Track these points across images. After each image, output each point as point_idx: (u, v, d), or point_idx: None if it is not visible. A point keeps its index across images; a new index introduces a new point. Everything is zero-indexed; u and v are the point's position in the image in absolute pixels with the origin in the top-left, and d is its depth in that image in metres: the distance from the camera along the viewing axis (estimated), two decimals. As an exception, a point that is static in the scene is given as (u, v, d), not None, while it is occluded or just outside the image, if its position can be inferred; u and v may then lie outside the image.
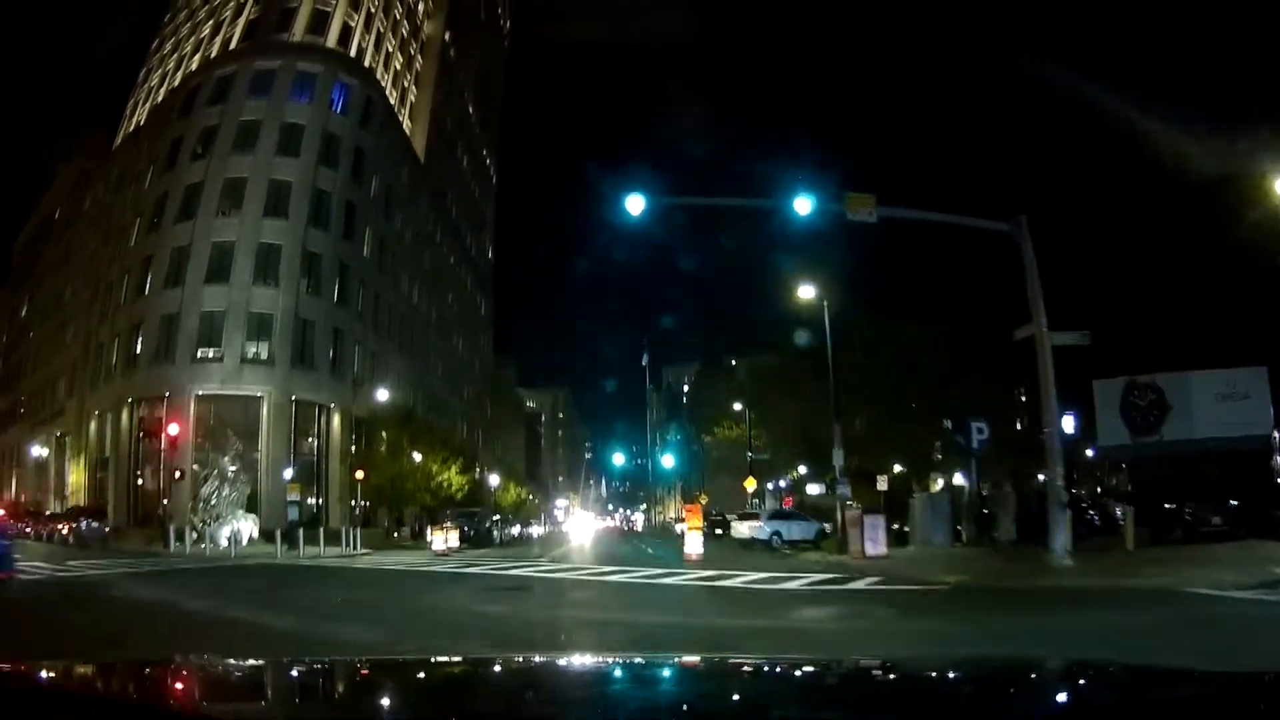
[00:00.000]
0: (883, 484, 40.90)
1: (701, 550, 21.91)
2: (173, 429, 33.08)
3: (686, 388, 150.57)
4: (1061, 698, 2.37)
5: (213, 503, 35.35)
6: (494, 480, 62.70)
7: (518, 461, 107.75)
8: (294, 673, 2.86)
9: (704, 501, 64.94)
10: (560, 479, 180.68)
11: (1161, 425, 26.23)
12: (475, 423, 75.75)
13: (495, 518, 43.17)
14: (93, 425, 48.97)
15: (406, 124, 63.51)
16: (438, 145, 68.24)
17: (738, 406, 47.49)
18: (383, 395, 40.47)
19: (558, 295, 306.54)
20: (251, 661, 3.31)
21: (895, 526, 32.39)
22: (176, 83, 54.02)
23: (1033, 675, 2.66)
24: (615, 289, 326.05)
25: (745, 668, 3.09)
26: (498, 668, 3.15)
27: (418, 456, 41.52)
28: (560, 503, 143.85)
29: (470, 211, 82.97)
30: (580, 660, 3.68)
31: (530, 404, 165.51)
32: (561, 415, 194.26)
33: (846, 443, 53.56)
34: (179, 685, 2.37)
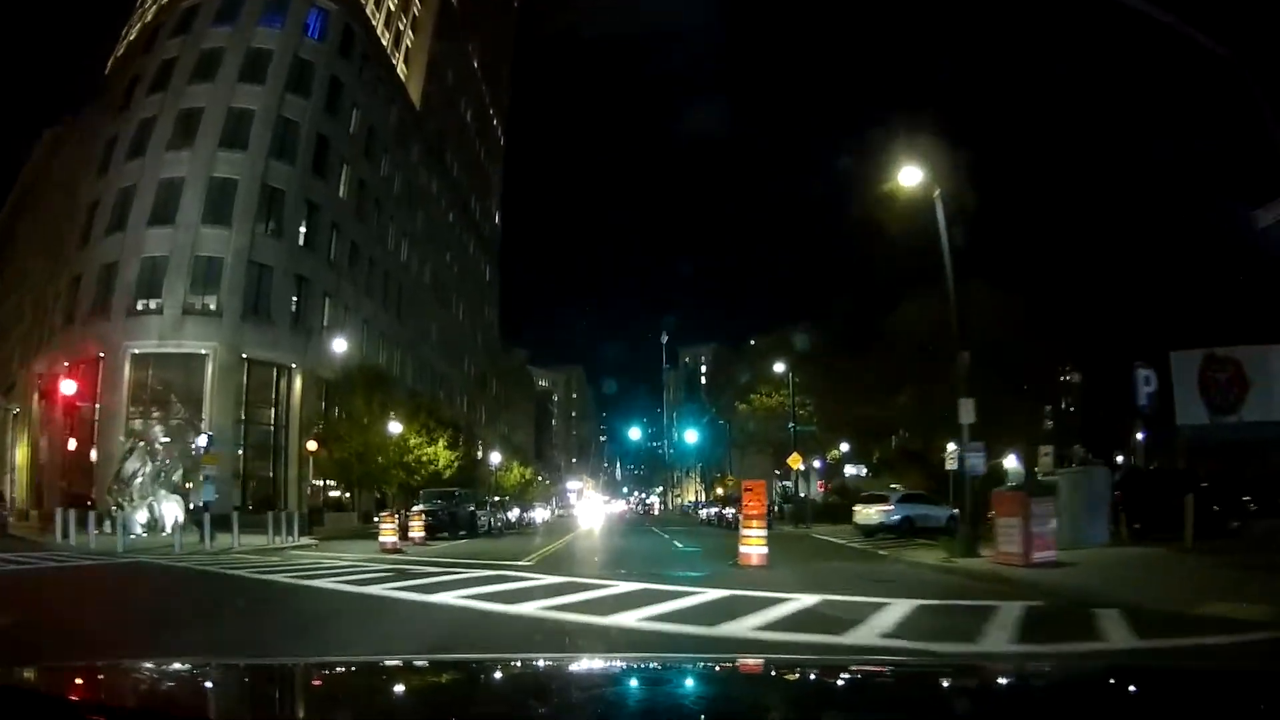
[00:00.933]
0: (951, 462, 34.09)
1: (766, 551, 14.51)
2: (67, 387, 26.10)
3: (704, 368, 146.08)
4: (1062, 700, 2.25)
5: (138, 480, 28.66)
6: (495, 459, 55.58)
7: (526, 442, 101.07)
8: (293, 674, 2.80)
9: (731, 483, 57.88)
10: (573, 461, 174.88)
11: (1241, 404, 23.06)
12: (477, 397, 68.86)
13: (491, 499, 36.13)
14: (35, 396, 42.46)
15: (401, 69, 56.90)
16: (437, 97, 61.86)
17: (779, 368, 39.90)
18: (340, 346, 33.21)
19: (572, 275, 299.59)
20: (249, 663, 3.26)
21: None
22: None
23: (1033, 677, 2.70)
24: (631, 268, 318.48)
25: (746, 669, 2.97)
26: (498, 670, 3.00)
27: (396, 427, 34.48)
28: (573, 485, 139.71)
29: (475, 175, 76.40)
30: (581, 662, 3.65)
31: (542, 383, 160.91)
32: (575, 396, 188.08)
33: (906, 421, 46.13)
34: (176, 689, 2.35)
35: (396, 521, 20.03)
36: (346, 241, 43.10)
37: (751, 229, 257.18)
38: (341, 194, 43.53)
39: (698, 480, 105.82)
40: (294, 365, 37.13)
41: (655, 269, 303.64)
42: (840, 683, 2.61)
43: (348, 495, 39.00)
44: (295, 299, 38.34)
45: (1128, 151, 37.92)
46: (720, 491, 57.86)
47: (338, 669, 3.03)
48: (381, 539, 20.64)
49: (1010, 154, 42.21)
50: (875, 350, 41.43)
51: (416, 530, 22.44)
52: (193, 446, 27.84)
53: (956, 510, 33.30)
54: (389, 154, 50.31)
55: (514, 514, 37.73)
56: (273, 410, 37.12)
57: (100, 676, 2.37)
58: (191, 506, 26.55)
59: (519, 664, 3.30)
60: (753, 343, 61.30)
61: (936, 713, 2.21)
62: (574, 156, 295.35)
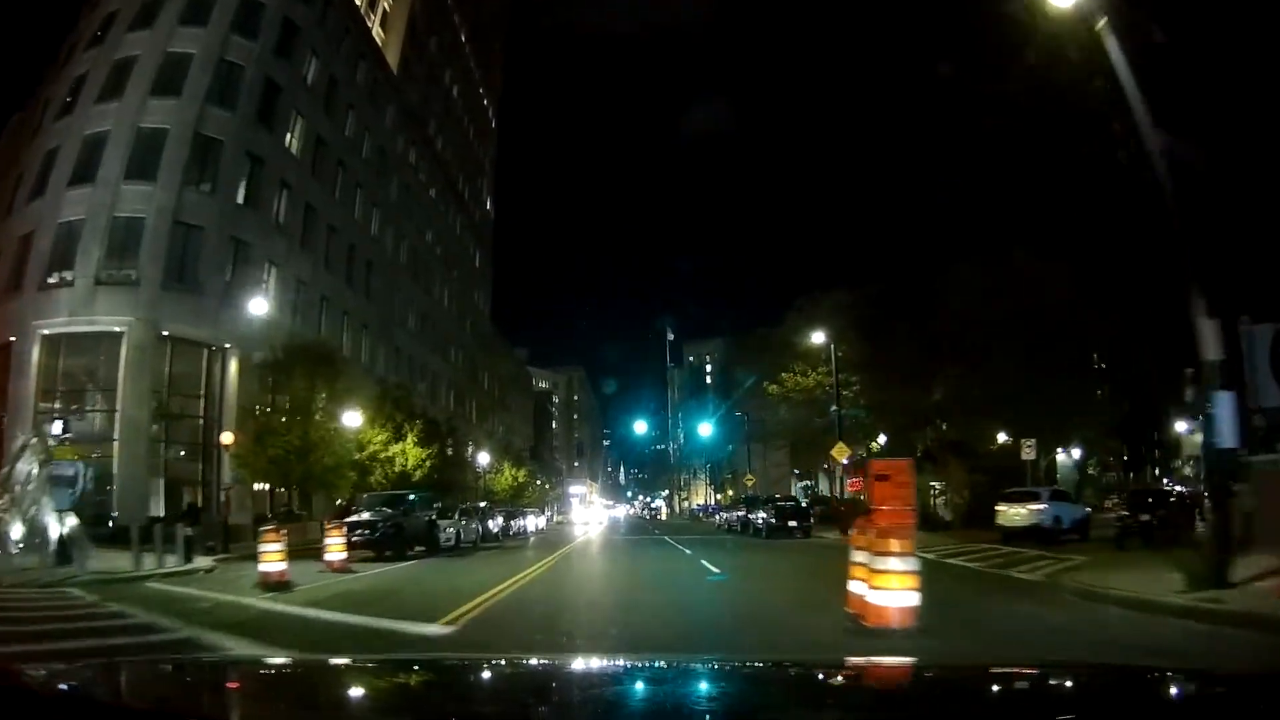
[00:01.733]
0: (1029, 452, 28.04)
1: (915, 597, 7.68)
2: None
3: (710, 366, 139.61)
4: (1061, 700, 2.26)
5: (29, 485, 22.46)
6: (484, 459, 49.13)
7: (524, 443, 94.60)
8: (293, 674, 2.85)
9: (751, 483, 51.46)
10: (575, 464, 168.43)
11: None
12: (466, 392, 62.51)
13: (466, 506, 29.75)
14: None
15: (378, 32, 51.03)
16: (417, 64, 56.28)
17: (819, 338, 33.12)
18: (260, 309, 26.64)
19: (571, 274, 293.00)
20: (248, 662, 3.46)
21: (1136, 518, 19.09)
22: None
23: (1033, 677, 2.60)
24: (632, 266, 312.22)
25: (747, 669, 3.03)
26: (498, 670, 3.03)
27: (353, 419, 28.12)
28: (576, 489, 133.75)
29: (464, 154, 70.70)
30: (583, 662, 3.60)
31: (541, 384, 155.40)
32: (576, 397, 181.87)
33: (949, 407, 39.59)
34: (176, 686, 2.36)
35: (273, 543, 13.56)
36: (299, 204, 36.80)
37: (763, 209, 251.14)
38: (293, 149, 37.27)
39: (706, 481, 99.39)
40: (229, 346, 30.77)
41: (657, 266, 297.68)
42: (840, 683, 2.63)
43: (298, 502, 32.85)
44: (231, 267, 32.00)
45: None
46: (748, 488, 50.95)
47: (338, 669, 3.05)
48: (327, 556, 14.51)
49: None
50: (919, 322, 35.13)
51: (335, 550, 15.99)
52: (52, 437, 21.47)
53: (1089, 510, 27.12)
54: (356, 112, 44.11)
55: (498, 523, 31.26)
56: (202, 400, 30.79)
57: (100, 676, 2.36)
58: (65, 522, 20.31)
59: (520, 664, 3.46)
60: (787, 314, 53.79)
61: (938, 713, 2.17)
62: (572, 154, 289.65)
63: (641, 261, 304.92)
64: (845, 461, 31.18)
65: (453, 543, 23.01)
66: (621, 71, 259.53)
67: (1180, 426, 45.48)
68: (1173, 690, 2.27)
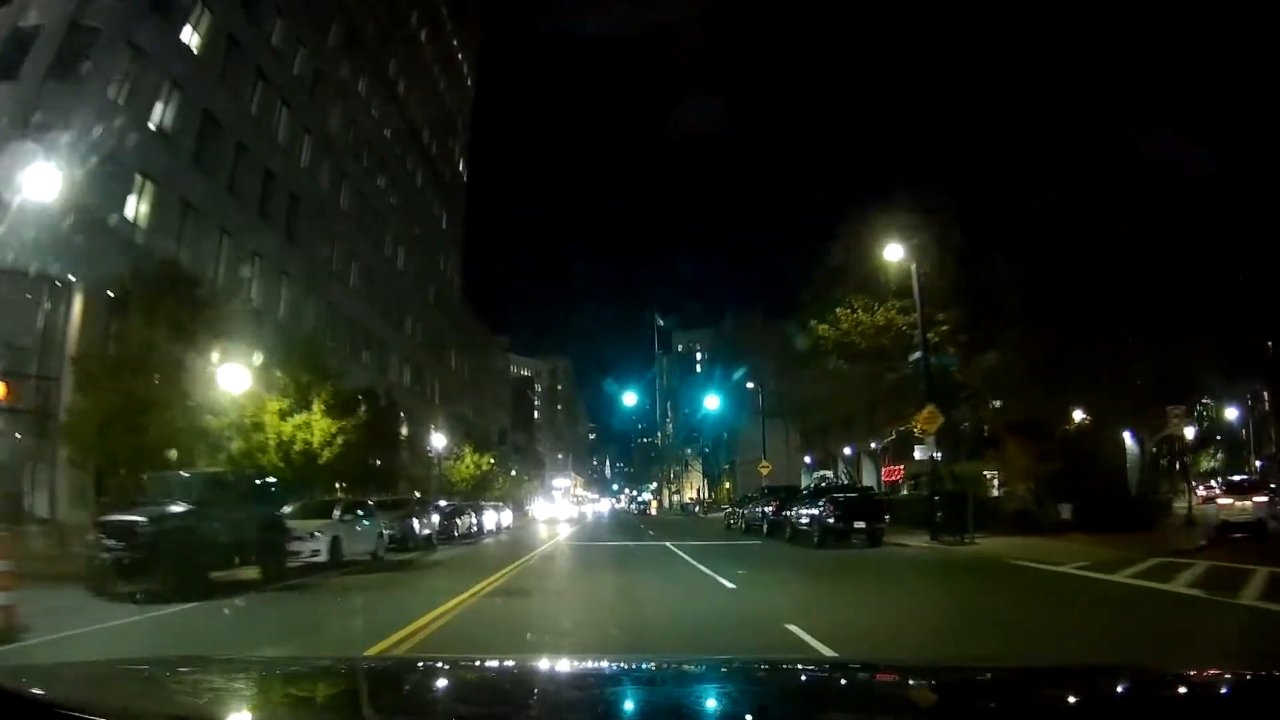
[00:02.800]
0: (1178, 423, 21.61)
1: None
2: None
3: (700, 355, 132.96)
4: (1059, 699, 2.22)
5: None
6: (439, 443, 41.06)
7: (501, 432, 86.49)
8: (293, 674, 2.77)
9: (767, 471, 43.44)
10: (559, 457, 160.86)
11: None
12: (425, 368, 54.29)
13: (357, 500, 21.65)
14: None
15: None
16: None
17: (896, 253, 22.90)
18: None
19: (556, 262, 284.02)
20: (248, 663, 3.14)
21: None
22: None
23: (1032, 676, 2.62)
24: (619, 253, 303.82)
25: (746, 670, 2.95)
26: (497, 670, 3.01)
27: (235, 380, 20.21)
28: (560, 482, 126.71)
29: (433, 104, 62.76)
30: (580, 663, 3.36)
31: (524, 371, 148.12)
32: (560, 387, 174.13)
33: (993, 384, 32.31)
34: (178, 686, 2.29)
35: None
36: (193, 110, 28.74)
37: (756, 191, 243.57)
38: (191, 43, 29.25)
39: (701, 473, 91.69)
40: (72, 279, 22.77)
41: (645, 257, 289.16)
42: (840, 683, 2.63)
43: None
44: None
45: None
46: (764, 477, 42.41)
47: (338, 669, 2.97)
48: None
49: None
50: (991, 263, 27.43)
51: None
52: None
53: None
54: (284, 20, 36.03)
55: (430, 522, 23.24)
56: (37, 355, 22.75)
57: (99, 676, 2.38)
58: None
59: (520, 665, 3.35)
60: (840, 231, 40.79)
61: (936, 713, 2.19)
62: (557, 136, 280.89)
63: (630, 246, 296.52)
64: (935, 427, 21.80)
65: (323, 557, 15.06)
66: (612, 52, 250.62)
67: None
68: (1171, 690, 2.19)
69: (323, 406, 24.12)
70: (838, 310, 26.87)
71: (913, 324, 23.58)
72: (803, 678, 2.74)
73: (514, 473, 73.89)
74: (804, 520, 22.77)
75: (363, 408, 25.32)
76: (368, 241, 44.95)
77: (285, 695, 2.36)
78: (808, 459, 53.45)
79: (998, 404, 33.99)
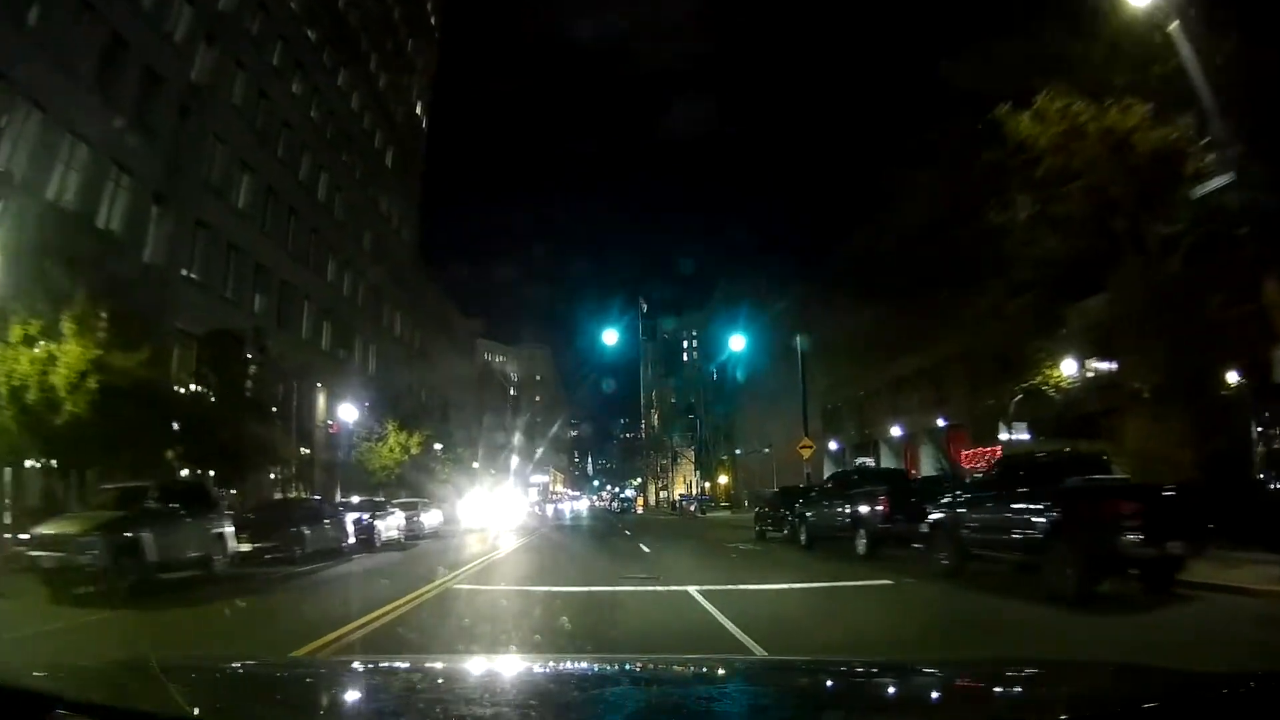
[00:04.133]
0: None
1: None
2: None
3: (686, 342, 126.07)
4: (1059, 698, 2.16)
5: None
6: (350, 416, 30.83)
7: (472, 421, 76.34)
8: (293, 674, 2.73)
9: (809, 454, 32.16)
10: (540, 451, 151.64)
11: None
12: (353, 327, 43.78)
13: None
14: None
15: None
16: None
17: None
18: None
19: (533, 247, 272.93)
20: (247, 662, 2.94)
21: None
22: None
23: (1031, 676, 2.50)
24: (601, 244, 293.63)
25: (746, 669, 2.91)
26: (496, 670, 2.89)
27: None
28: (539, 479, 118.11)
29: (388, 45, 53.84)
30: (579, 663, 3.38)
31: (499, 358, 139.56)
32: (539, 377, 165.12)
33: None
34: (178, 686, 2.15)
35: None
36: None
37: (743, 175, 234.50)
38: None
39: (692, 464, 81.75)
40: None
41: (629, 246, 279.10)
42: (840, 683, 2.53)
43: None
44: None
45: None
46: (805, 461, 30.54)
47: (338, 669, 2.96)
48: None
49: None
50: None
51: None
52: None
53: None
54: None
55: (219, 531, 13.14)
56: None
57: (99, 675, 2.32)
58: None
59: (520, 665, 3.26)
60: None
61: (936, 713, 2.15)
62: (534, 117, 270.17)
63: (613, 238, 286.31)
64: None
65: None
66: (609, 56, 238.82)
67: None
68: (1170, 690, 2.11)
69: (74, 327, 14.15)
70: (1038, 102, 13.76)
71: (1171, 139, 13.19)
72: (803, 677, 2.63)
73: (475, 463, 63.77)
74: (1014, 531, 10.83)
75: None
76: (274, 158, 34.62)
77: (285, 694, 2.30)
78: (833, 444, 43.54)
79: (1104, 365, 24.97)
